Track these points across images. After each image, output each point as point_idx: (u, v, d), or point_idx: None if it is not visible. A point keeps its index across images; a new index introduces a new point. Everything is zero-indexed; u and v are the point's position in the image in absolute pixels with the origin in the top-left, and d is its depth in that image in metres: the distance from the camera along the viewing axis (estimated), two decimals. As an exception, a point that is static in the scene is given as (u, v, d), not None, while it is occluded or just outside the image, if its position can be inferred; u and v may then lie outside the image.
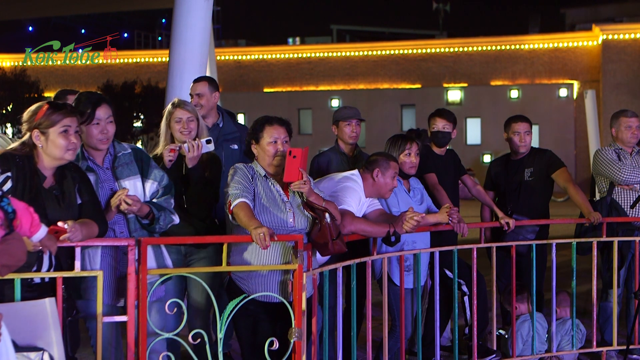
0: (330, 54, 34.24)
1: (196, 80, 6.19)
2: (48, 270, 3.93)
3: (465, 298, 6.14)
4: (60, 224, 3.76)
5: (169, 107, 5.17)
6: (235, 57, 34.91)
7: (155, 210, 4.25)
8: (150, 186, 4.33)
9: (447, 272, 5.95)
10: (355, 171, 5.45)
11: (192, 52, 7.43)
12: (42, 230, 3.57)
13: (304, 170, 4.48)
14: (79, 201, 3.99)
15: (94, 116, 4.21)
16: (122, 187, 4.24)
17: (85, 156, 4.28)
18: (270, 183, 4.58)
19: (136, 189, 4.28)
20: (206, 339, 4.23)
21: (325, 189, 5.14)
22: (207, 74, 7.30)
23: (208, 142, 5.10)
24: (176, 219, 4.41)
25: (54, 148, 3.89)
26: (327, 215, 4.52)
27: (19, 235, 3.34)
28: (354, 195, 5.22)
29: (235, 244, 4.51)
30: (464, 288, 6.08)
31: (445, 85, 33.18)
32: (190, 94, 6.04)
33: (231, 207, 4.42)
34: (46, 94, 29.86)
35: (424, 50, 33.67)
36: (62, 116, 3.90)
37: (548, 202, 6.63)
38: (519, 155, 6.59)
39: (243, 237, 4.45)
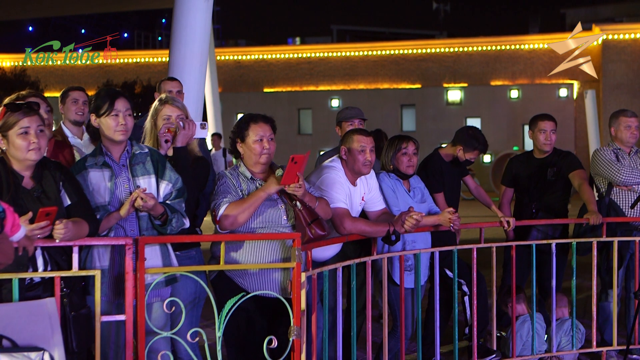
0: (330, 54, 34.19)
1: (170, 79, 6.18)
2: (45, 269, 3.93)
3: (466, 298, 6.14)
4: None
5: (155, 103, 4.88)
6: (235, 57, 34.87)
7: (169, 211, 4.26)
8: (165, 187, 4.33)
9: (448, 272, 5.95)
10: (336, 157, 5.44)
11: (192, 52, 7.43)
12: (22, 231, 3.58)
13: (302, 174, 4.49)
14: (68, 202, 3.99)
15: (113, 107, 4.24)
16: (137, 185, 4.25)
17: (103, 151, 4.29)
18: (257, 184, 4.58)
19: (151, 187, 4.28)
20: (205, 337, 4.24)
21: (312, 181, 5.18)
22: (207, 74, 7.31)
23: (202, 126, 4.89)
24: (187, 223, 4.40)
25: (15, 150, 3.90)
26: (297, 203, 4.54)
27: (5, 235, 3.34)
28: (337, 187, 5.19)
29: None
30: (465, 288, 6.08)
31: (445, 85, 33.16)
32: (170, 90, 5.96)
33: (218, 217, 4.44)
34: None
35: (424, 50, 33.63)
36: (20, 117, 3.90)
37: (567, 202, 6.67)
38: (543, 154, 6.62)
39: (240, 235, 4.46)
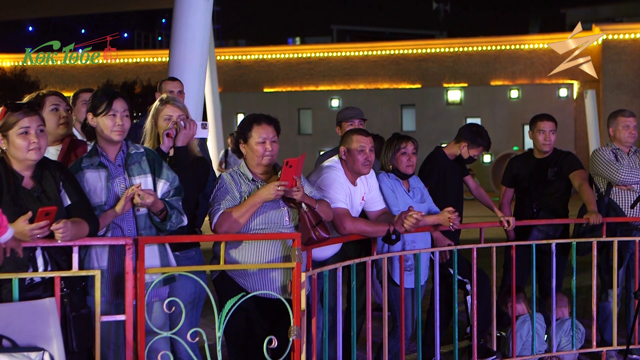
0: (330, 54, 34.17)
1: (171, 79, 6.19)
2: (45, 269, 3.94)
3: (468, 297, 6.15)
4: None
5: (156, 103, 4.90)
6: (235, 57, 34.85)
7: (169, 207, 4.26)
8: (162, 186, 4.33)
9: (452, 271, 5.95)
10: (336, 157, 5.44)
11: (192, 52, 7.44)
12: (9, 232, 3.58)
13: (299, 177, 4.49)
14: (68, 202, 4.00)
15: (110, 107, 4.24)
16: (134, 184, 4.24)
17: (98, 152, 4.29)
18: (258, 185, 4.57)
19: (147, 186, 4.28)
20: (205, 337, 4.24)
21: (312, 180, 5.18)
22: (207, 74, 7.31)
23: (203, 126, 4.90)
24: (185, 220, 4.41)
25: (15, 150, 3.90)
26: (303, 205, 4.53)
27: None
28: (337, 187, 5.19)
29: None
30: (469, 287, 6.08)
31: (445, 85, 33.15)
32: (171, 90, 5.98)
33: (212, 226, 4.45)
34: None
35: (424, 50, 33.61)
36: (20, 117, 3.90)
37: (567, 202, 6.68)
38: (543, 154, 6.64)
39: (241, 235, 4.46)
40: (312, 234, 4.53)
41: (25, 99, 4.91)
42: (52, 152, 4.85)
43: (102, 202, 4.20)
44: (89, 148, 5.21)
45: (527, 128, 6.81)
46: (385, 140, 6.00)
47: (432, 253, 5.71)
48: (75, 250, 4.01)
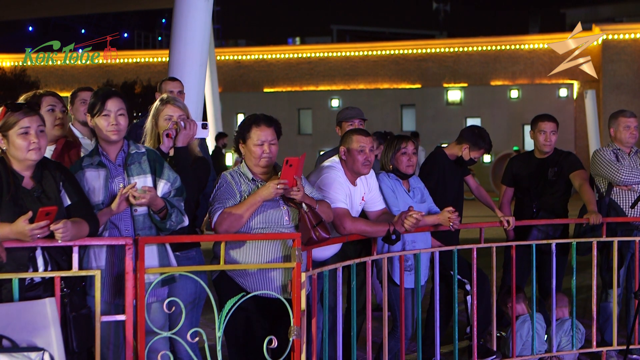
0: (330, 54, 34.16)
1: (171, 79, 6.19)
2: (45, 269, 3.94)
3: (469, 297, 6.14)
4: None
5: (156, 103, 4.91)
6: (235, 57, 34.84)
7: (169, 206, 4.26)
8: (163, 186, 4.33)
9: (452, 272, 5.95)
10: (336, 157, 5.44)
11: (192, 52, 7.44)
12: None
13: (299, 177, 4.49)
14: (68, 202, 4.00)
15: (104, 107, 4.24)
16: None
17: (99, 152, 4.30)
18: (258, 184, 4.57)
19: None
20: (205, 337, 4.24)
21: (312, 181, 5.18)
22: (207, 74, 7.30)
23: (204, 126, 4.91)
24: (186, 221, 4.41)
25: (15, 150, 3.91)
26: (303, 205, 4.53)
27: None
28: (337, 187, 5.19)
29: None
30: (468, 287, 6.08)
31: (445, 85, 33.14)
32: (171, 90, 5.99)
33: (212, 224, 4.45)
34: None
35: (424, 50, 33.60)
36: (20, 117, 3.91)
37: (567, 202, 6.69)
38: (543, 155, 6.64)
39: (241, 235, 4.46)
40: (313, 234, 4.53)
41: (22, 98, 4.91)
42: (46, 153, 4.86)
43: (99, 202, 4.20)
44: (82, 149, 5.22)
45: (527, 128, 6.81)
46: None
47: (432, 253, 5.71)
48: (75, 250, 4.01)
